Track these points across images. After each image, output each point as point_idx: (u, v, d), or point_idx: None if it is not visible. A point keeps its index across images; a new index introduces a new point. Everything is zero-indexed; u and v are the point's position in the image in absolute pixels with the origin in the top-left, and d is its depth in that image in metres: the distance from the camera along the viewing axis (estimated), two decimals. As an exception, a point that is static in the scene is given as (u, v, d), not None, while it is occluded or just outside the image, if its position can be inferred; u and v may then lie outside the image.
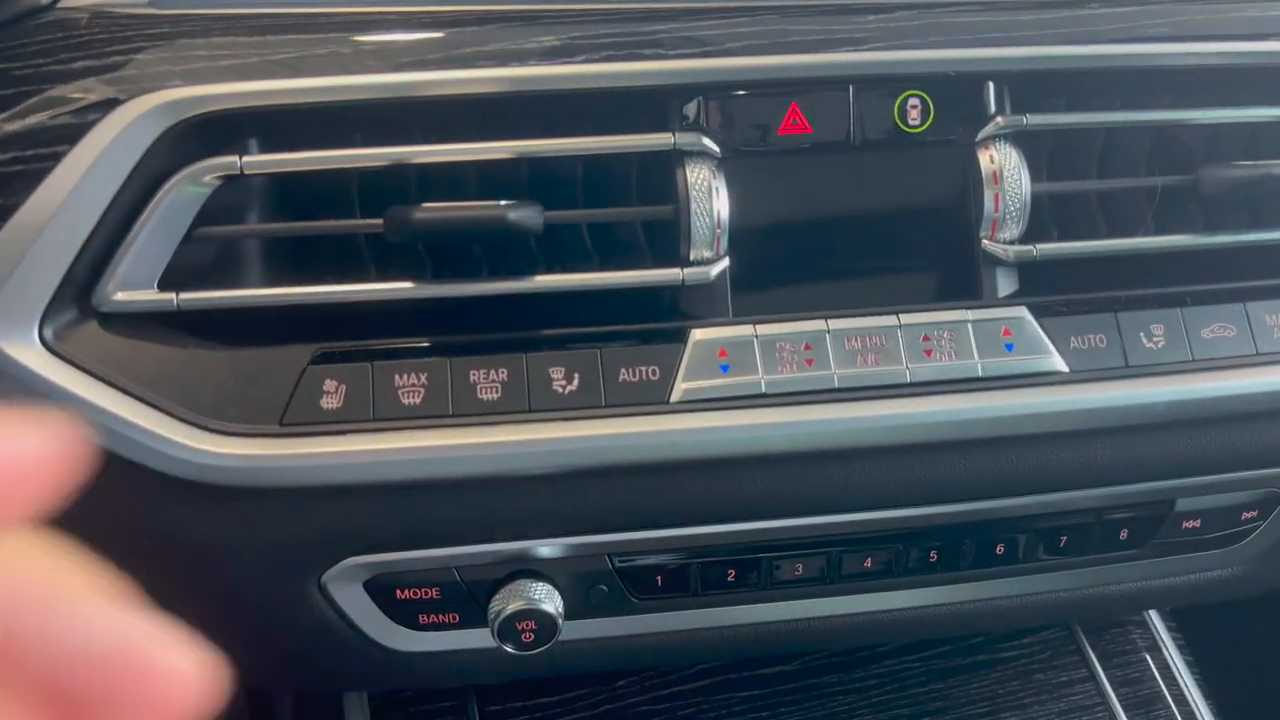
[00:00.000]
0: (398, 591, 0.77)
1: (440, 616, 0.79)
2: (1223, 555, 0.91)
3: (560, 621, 0.76)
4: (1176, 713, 1.06)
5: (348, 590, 0.76)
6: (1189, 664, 1.12)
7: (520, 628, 0.76)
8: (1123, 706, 1.05)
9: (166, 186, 0.69)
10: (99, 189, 0.67)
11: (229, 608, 0.77)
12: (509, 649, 0.77)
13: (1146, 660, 1.10)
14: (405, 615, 0.78)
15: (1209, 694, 1.10)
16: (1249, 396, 0.78)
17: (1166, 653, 1.11)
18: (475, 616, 0.78)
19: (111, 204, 0.68)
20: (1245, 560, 0.92)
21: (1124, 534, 0.86)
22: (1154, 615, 1.14)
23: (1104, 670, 1.08)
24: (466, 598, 0.77)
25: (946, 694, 1.05)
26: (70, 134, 0.68)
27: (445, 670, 0.83)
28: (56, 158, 0.67)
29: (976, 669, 1.07)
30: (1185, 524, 0.86)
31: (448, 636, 0.80)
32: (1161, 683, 1.08)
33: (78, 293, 0.69)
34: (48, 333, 0.68)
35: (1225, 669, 1.13)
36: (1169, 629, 1.14)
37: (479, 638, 0.79)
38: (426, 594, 0.77)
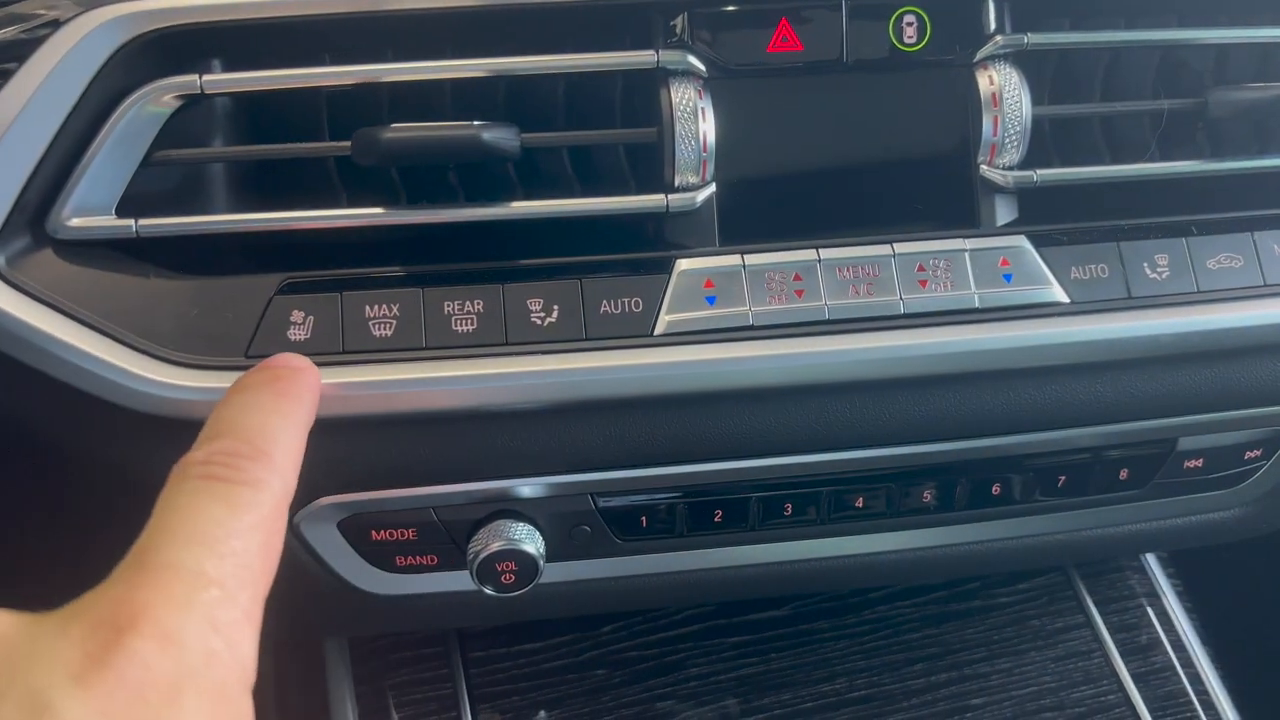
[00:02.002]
0: (373, 533, 0.74)
1: (418, 558, 0.76)
2: (1225, 496, 0.88)
3: (541, 563, 0.74)
4: (1174, 659, 1.04)
5: (321, 532, 0.74)
6: (1187, 610, 1.10)
7: (500, 569, 0.73)
8: (1120, 652, 1.04)
9: (123, 107, 0.66)
10: (50, 109, 0.64)
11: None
12: (489, 591, 0.74)
13: (1144, 606, 1.08)
14: (381, 557, 0.76)
15: (1207, 640, 1.08)
16: (1256, 329, 0.75)
17: (1164, 599, 1.09)
18: (454, 558, 0.76)
19: (64, 125, 0.65)
20: (1247, 501, 0.89)
21: (1124, 474, 0.83)
22: (1152, 560, 1.12)
23: (1101, 616, 1.06)
24: (444, 539, 0.75)
25: (940, 640, 1.03)
26: (19, 51, 0.64)
27: (424, 614, 0.81)
28: (5, 76, 0.64)
29: (971, 615, 1.05)
30: (1187, 463, 0.84)
31: (426, 579, 0.77)
32: (1159, 628, 1.06)
33: (31, 219, 0.66)
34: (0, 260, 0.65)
35: (1223, 615, 1.11)
36: (1167, 575, 1.12)
37: (458, 580, 0.77)
38: (403, 535, 0.75)
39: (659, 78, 0.70)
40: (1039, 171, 0.74)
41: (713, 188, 0.71)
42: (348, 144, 0.67)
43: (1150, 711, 1.00)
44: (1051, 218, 0.75)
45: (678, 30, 0.70)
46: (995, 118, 0.72)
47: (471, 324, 0.68)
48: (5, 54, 0.65)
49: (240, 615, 0.42)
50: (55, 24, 0.65)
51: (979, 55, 0.73)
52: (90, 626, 0.38)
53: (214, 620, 0.40)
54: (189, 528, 0.43)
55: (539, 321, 0.68)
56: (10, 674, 0.36)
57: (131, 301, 0.66)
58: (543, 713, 0.98)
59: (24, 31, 0.65)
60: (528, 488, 0.74)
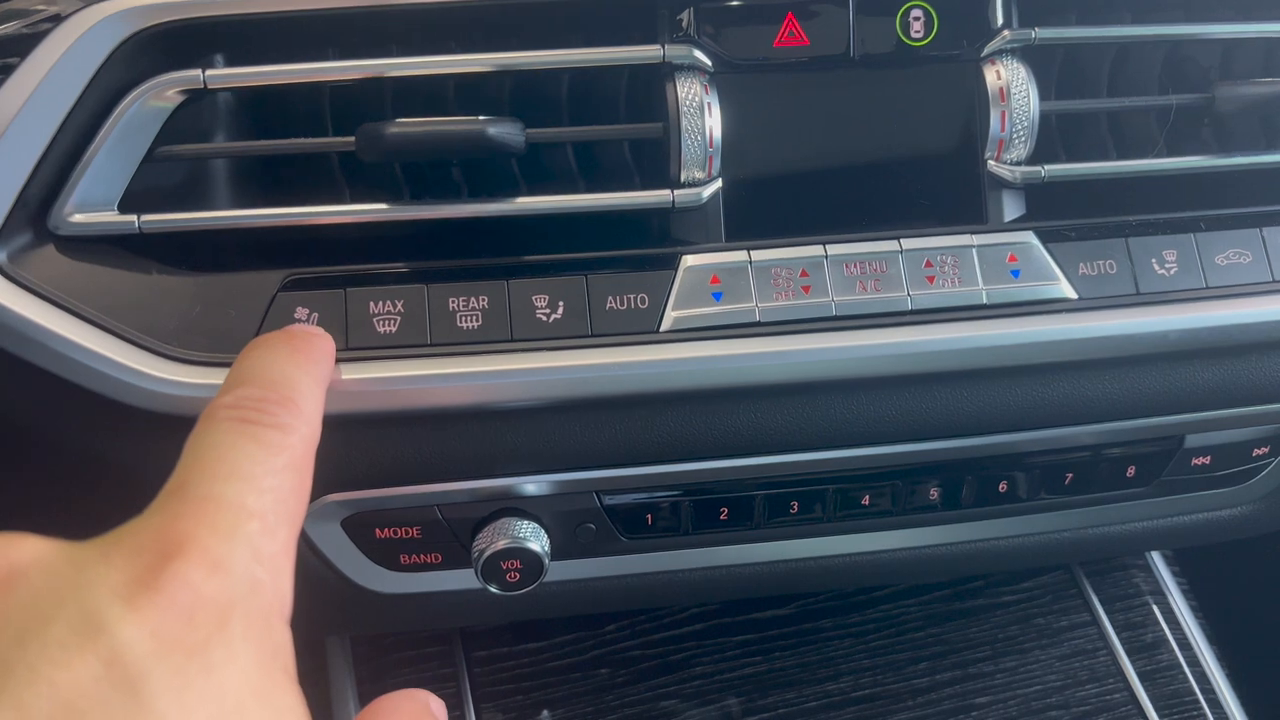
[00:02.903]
0: (377, 531, 0.74)
1: (422, 557, 0.76)
2: (1231, 493, 0.88)
3: (546, 561, 0.73)
4: (1180, 657, 1.04)
5: (325, 530, 0.73)
6: (1193, 608, 1.09)
7: (505, 567, 0.73)
8: (1125, 650, 1.03)
9: (125, 102, 0.65)
10: (53, 105, 0.64)
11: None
12: (493, 589, 0.74)
13: (1150, 604, 1.08)
14: (385, 555, 0.75)
15: (1213, 638, 1.08)
16: (1264, 325, 0.75)
17: (1170, 597, 1.09)
18: (458, 556, 0.75)
19: (67, 121, 0.64)
20: (1254, 499, 0.89)
21: (1131, 471, 0.83)
22: (1158, 559, 1.12)
23: (1106, 614, 1.06)
24: (449, 537, 0.74)
25: (945, 638, 1.03)
26: (21, 46, 0.64)
27: (428, 613, 0.81)
28: (7, 70, 0.64)
29: (976, 613, 1.05)
30: (1194, 460, 0.83)
31: (430, 577, 0.77)
32: (1165, 627, 1.06)
33: (33, 215, 0.66)
34: (1, 256, 0.64)
35: (1229, 612, 1.11)
36: (1172, 572, 1.11)
37: (462, 578, 0.76)
38: (407, 533, 0.74)
39: (665, 73, 0.70)
40: (1047, 167, 0.73)
41: (719, 183, 0.71)
42: (351, 139, 0.67)
43: (1156, 710, 1.00)
44: (1059, 214, 0.75)
45: (684, 25, 0.69)
46: (1003, 113, 0.72)
47: (476, 320, 0.67)
48: (7, 49, 0.64)
49: (280, 548, 0.43)
50: (57, 19, 0.64)
51: (986, 50, 0.72)
52: (134, 551, 0.38)
53: (257, 551, 0.41)
54: (227, 464, 0.43)
55: (544, 318, 0.68)
56: (60, 597, 0.36)
57: (134, 298, 0.66)
58: (546, 712, 0.98)
59: (26, 26, 0.65)
60: (532, 485, 0.74)
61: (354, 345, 0.66)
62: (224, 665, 0.37)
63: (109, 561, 0.38)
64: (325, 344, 0.57)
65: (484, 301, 0.68)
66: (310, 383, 0.51)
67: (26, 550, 0.38)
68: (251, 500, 0.42)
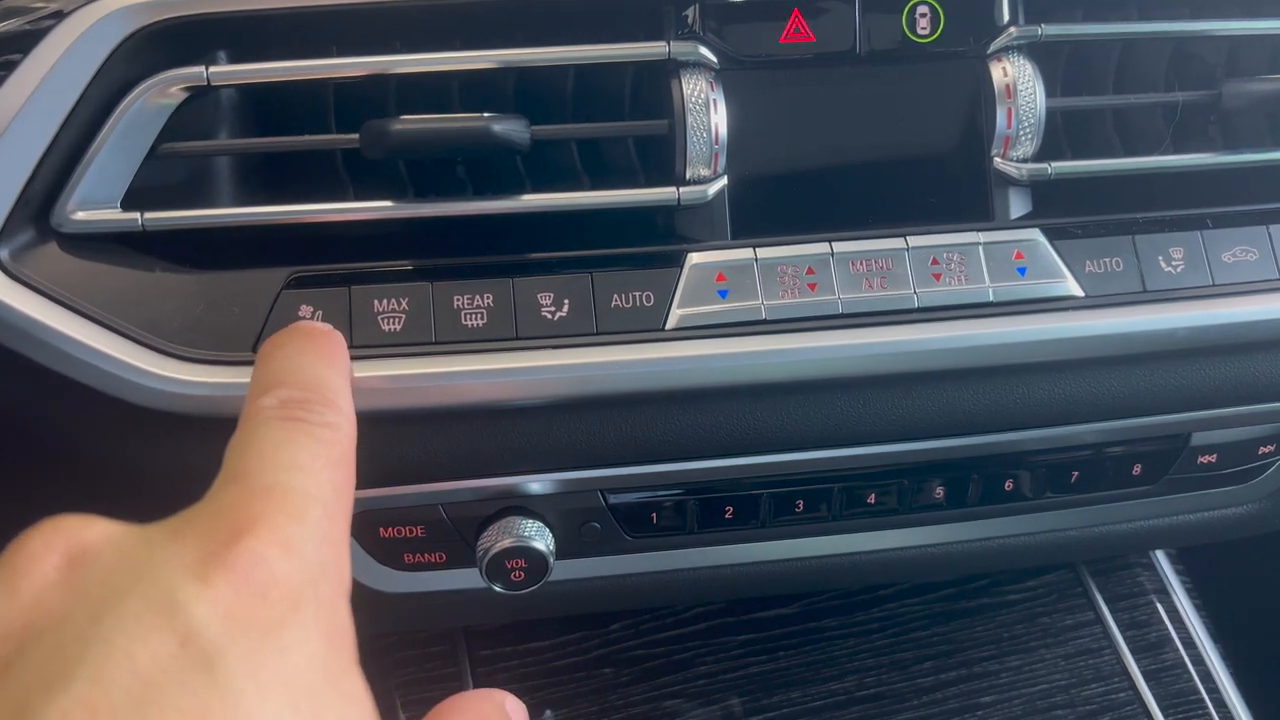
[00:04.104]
0: (381, 529, 0.74)
1: (426, 555, 0.75)
2: (1237, 492, 0.87)
3: (551, 560, 0.73)
4: (1185, 656, 1.04)
5: (328, 528, 0.73)
6: (1197, 607, 1.09)
7: (510, 566, 0.73)
8: (1130, 649, 1.03)
9: (128, 99, 0.65)
10: (55, 102, 0.64)
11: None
12: (498, 588, 0.73)
13: (1154, 603, 1.07)
14: (389, 554, 0.75)
15: (1217, 637, 1.07)
16: (1271, 323, 0.75)
17: (1174, 596, 1.08)
18: (463, 555, 0.75)
19: (69, 117, 0.64)
20: (1260, 497, 0.89)
21: (1137, 469, 0.82)
22: (1162, 557, 1.11)
23: (1111, 613, 1.05)
24: (453, 535, 0.74)
25: (950, 637, 1.02)
26: (23, 43, 0.64)
27: (432, 612, 0.80)
28: (9, 67, 0.63)
29: (980, 612, 1.04)
30: (1201, 459, 0.83)
31: (434, 576, 0.77)
32: (1170, 626, 1.05)
33: (35, 212, 0.65)
34: (3, 254, 0.64)
35: (1234, 611, 1.11)
36: (1177, 571, 1.11)
37: (467, 578, 0.76)
38: (411, 532, 0.74)
39: (670, 69, 0.69)
40: (1053, 164, 0.73)
41: (724, 180, 0.70)
42: (355, 137, 0.66)
43: (1161, 709, 0.99)
44: (1065, 211, 0.75)
45: (689, 21, 0.69)
46: (1009, 110, 0.72)
47: (481, 318, 0.67)
48: (9, 46, 0.64)
49: (342, 535, 0.43)
50: (59, 15, 0.64)
51: (992, 47, 0.72)
52: (205, 531, 0.38)
53: (325, 535, 0.41)
54: (285, 456, 0.44)
55: (550, 315, 0.68)
56: (134, 574, 0.36)
57: (137, 296, 0.65)
58: (549, 712, 0.97)
59: (28, 23, 0.65)
60: (537, 484, 0.73)
61: (358, 343, 0.66)
62: (297, 647, 0.37)
63: (181, 540, 0.38)
64: (342, 341, 0.57)
65: (489, 299, 0.67)
66: (344, 382, 0.51)
67: (96, 530, 0.39)
68: (314, 488, 0.42)
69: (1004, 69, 0.72)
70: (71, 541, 0.38)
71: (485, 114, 0.66)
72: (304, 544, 0.40)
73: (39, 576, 0.37)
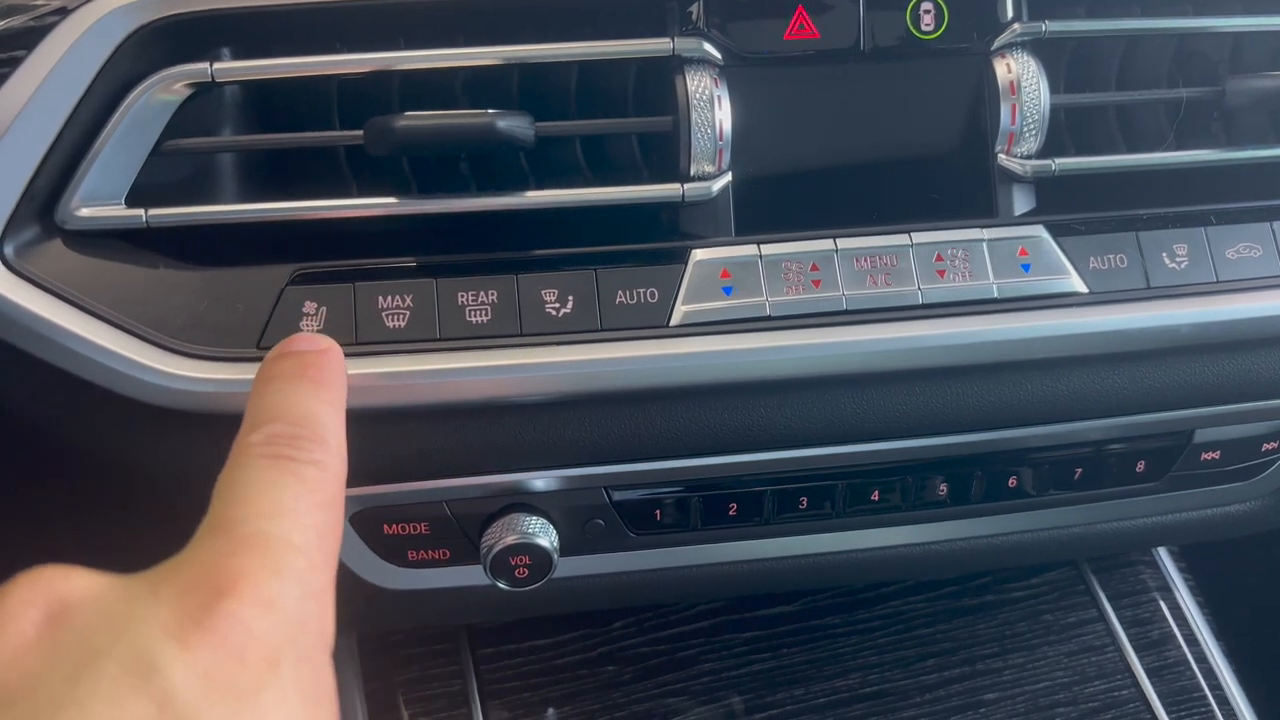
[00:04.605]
0: (385, 526, 0.74)
1: (430, 553, 0.75)
2: (1240, 489, 0.88)
3: (555, 557, 0.73)
4: (1188, 653, 1.04)
5: (332, 526, 0.73)
6: (1200, 604, 1.09)
7: (514, 563, 0.72)
8: (1133, 647, 1.03)
9: (132, 95, 0.65)
10: (59, 98, 0.63)
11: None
12: (502, 585, 0.73)
13: (1157, 600, 1.07)
14: (393, 551, 0.75)
15: (1220, 634, 1.07)
16: (1275, 319, 0.75)
17: (1177, 593, 1.09)
18: (467, 552, 0.75)
19: (73, 114, 0.64)
20: (1263, 494, 0.89)
21: (1141, 466, 0.82)
22: (1164, 555, 1.11)
23: (1114, 611, 1.05)
24: (457, 532, 0.74)
25: (953, 635, 1.03)
26: (27, 39, 0.64)
27: (436, 609, 0.80)
28: (13, 63, 0.63)
29: (984, 610, 1.04)
30: (1204, 456, 0.83)
31: (438, 574, 0.77)
32: (1173, 623, 1.06)
33: (39, 209, 0.65)
34: (8, 250, 0.64)
35: (1236, 608, 1.11)
36: (1179, 569, 1.11)
37: (471, 575, 0.76)
38: (415, 529, 0.74)
39: (674, 66, 0.69)
40: (1057, 161, 0.73)
41: (728, 177, 0.70)
42: (359, 133, 0.66)
43: (1164, 705, 0.99)
44: (1069, 207, 0.75)
45: (693, 18, 0.69)
46: (1013, 106, 0.72)
47: (486, 315, 0.67)
48: (13, 42, 0.64)
49: (325, 585, 0.43)
50: (64, 12, 0.64)
51: (996, 43, 0.72)
52: (186, 588, 0.38)
53: (306, 587, 0.41)
54: (270, 500, 0.43)
55: (554, 312, 0.68)
56: (113, 634, 0.36)
57: (141, 292, 0.65)
58: (551, 710, 0.97)
59: (32, 19, 0.64)
60: (541, 481, 0.73)
61: (363, 340, 0.66)
62: (274, 708, 0.37)
63: (159, 598, 0.37)
64: (337, 362, 0.56)
65: (493, 296, 0.67)
66: (335, 417, 0.51)
67: (76, 584, 0.38)
68: (297, 537, 0.42)
69: (1008, 65, 0.72)
70: (51, 597, 0.37)
71: (489, 110, 0.66)
72: (284, 600, 0.39)
73: (16, 636, 0.36)
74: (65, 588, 0.38)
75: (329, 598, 0.43)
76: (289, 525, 0.42)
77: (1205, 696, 1.01)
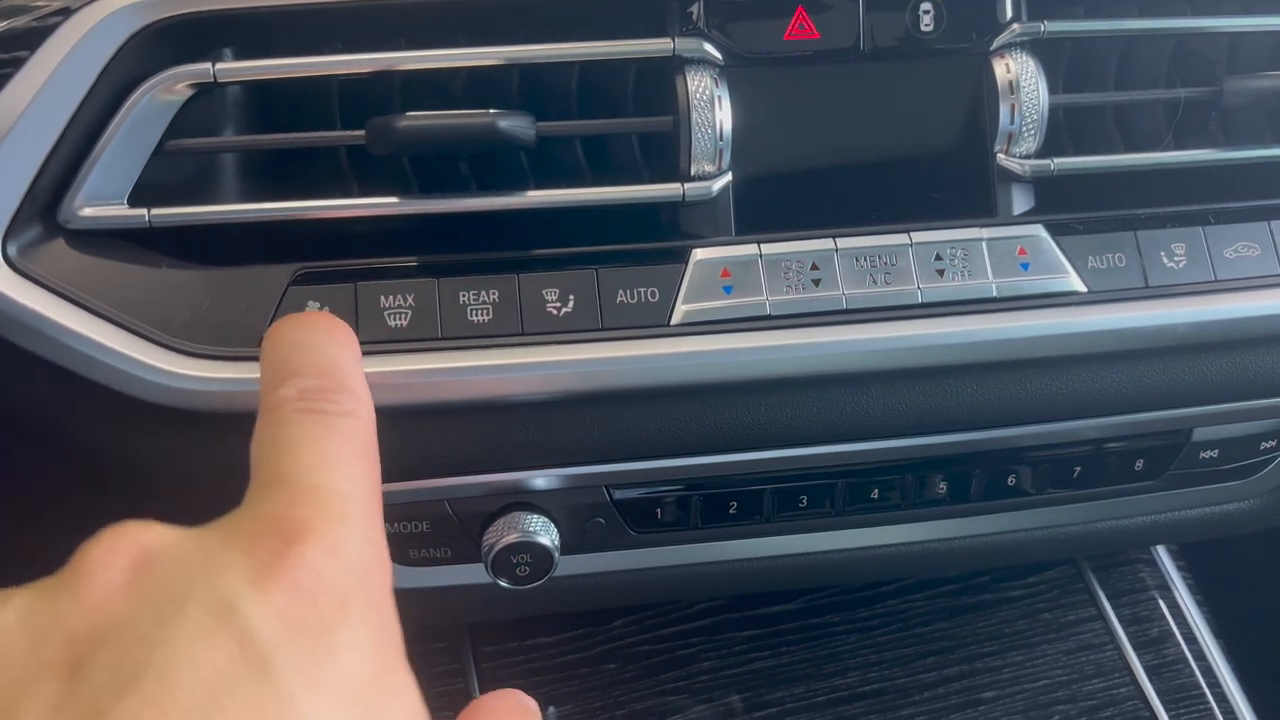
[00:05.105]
0: (385, 525, 0.73)
1: (431, 551, 0.76)
2: (1239, 487, 0.88)
3: (556, 555, 0.73)
4: (1187, 651, 1.04)
5: (334, 524, 0.73)
6: (1198, 602, 1.09)
7: (515, 561, 0.73)
8: (1132, 645, 1.03)
9: (135, 95, 0.65)
10: (62, 98, 0.64)
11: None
12: (503, 584, 0.74)
13: (1156, 599, 1.08)
14: (395, 550, 0.73)
15: (1219, 632, 1.08)
16: (1273, 318, 0.75)
17: (1176, 591, 1.09)
18: (468, 551, 0.75)
19: (76, 114, 0.64)
20: (1262, 493, 0.89)
21: (1139, 464, 0.83)
22: (1163, 553, 1.12)
23: (1113, 609, 1.06)
24: (459, 531, 0.74)
25: (952, 633, 1.03)
26: (30, 39, 0.64)
27: (437, 607, 0.80)
28: (16, 64, 0.63)
29: (983, 608, 1.05)
30: (1202, 454, 0.84)
31: (439, 572, 0.77)
32: (1171, 621, 1.06)
33: (42, 209, 0.65)
34: (11, 250, 0.64)
35: (1235, 607, 1.11)
36: (1178, 567, 1.12)
37: (472, 573, 0.76)
38: (416, 527, 0.74)
39: (675, 66, 0.69)
40: (1056, 160, 0.73)
41: (729, 176, 0.70)
42: (361, 133, 0.66)
43: (1163, 703, 1.00)
44: (1067, 207, 0.75)
45: (694, 18, 0.69)
46: (1012, 106, 0.72)
47: (487, 314, 0.67)
48: (16, 43, 0.64)
49: (380, 532, 0.44)
50: (66, 12, 0.64)
51: (995, 43, 0.72)
52: (255, 538, 0.40)
53: (366, 535, 0.42)
54: (317, 454, 0.44)
55: (555, 311, 0.68)
56: (192, 579, 0.38)
57: (144, 292, 0.66)
58: (552, 708, 0.98)
59: (35, 20, 0.65)
60: (542, 479, 0.74)
61: (365, 339, 0.65)
62: (347, 647, 0.39)
63: (232, 547, 0.39)
64: (348, 326, 0.57)
65: (495, 295, 0.67)
66: (357, 365, 0.51)
67: (154, 535, 0.40)
68: (348, 487, 0.43)
69: (1007, 65, 0.72)
70: (133, 547, 0.39)
71: (491, 110, 0.66)
72: (348, 546, 0.41)
73: (104, 582, 0.38)
74: (145, 538, 0.40)
75: (384, 545, 0.44)
76: (339, 476, 0.44)
77: (1204, 694, 1.02)
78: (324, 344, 0.51)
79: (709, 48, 0.69)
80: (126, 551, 0.39)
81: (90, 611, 0.37)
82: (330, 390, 0.48)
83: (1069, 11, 0.76)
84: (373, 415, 0.49)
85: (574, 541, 0.76)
